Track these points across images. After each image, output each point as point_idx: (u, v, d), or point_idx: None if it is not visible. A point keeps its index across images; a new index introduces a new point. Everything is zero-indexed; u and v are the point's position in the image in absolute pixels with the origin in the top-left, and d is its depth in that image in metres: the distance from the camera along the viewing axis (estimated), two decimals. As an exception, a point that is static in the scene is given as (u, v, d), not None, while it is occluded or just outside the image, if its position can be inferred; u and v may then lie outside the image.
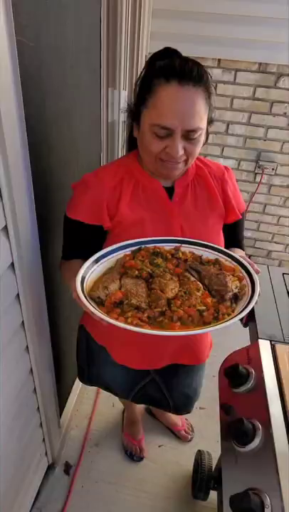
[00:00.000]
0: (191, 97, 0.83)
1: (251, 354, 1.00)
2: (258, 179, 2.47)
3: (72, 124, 1.20)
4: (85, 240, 0.99)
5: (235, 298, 0.86)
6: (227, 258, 0.95)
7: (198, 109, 0.84)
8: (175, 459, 1.61)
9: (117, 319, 0.76)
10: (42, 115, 0.97)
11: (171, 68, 0.83)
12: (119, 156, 1.59)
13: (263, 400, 0.87)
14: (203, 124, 0.87)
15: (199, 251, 0.97)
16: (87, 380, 1.34)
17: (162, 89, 0.83)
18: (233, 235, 1.10)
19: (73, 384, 1.75)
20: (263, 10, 1.95)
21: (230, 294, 0.85)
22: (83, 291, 0.80)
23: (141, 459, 1.60)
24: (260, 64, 2.13)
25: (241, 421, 0.83)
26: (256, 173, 2.46)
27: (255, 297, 0.82)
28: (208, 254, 0.96)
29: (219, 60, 2.17)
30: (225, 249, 0.96)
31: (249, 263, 0.93)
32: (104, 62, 1.49)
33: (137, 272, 0.87)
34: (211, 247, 0.97)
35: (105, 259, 0.91)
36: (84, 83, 1.27)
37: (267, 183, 2.47)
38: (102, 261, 0.90)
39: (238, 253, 0.99)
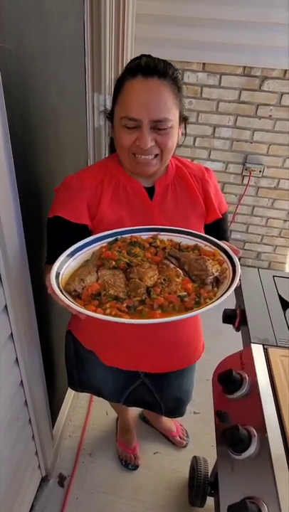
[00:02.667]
0: (156, 88, 0.85)
1: (244, 359, 0.99)
2: (245, 181, 2.48)
3: (57, 131, 1.18)
4: (69, 241, 0.96)
5: (217, 281, 0.85)
6: (206, 243, 0.94)
7: (165, 100, 0.86)
8: (171, 466, 1.60)
9: (95, 311, 0.74)
10: (26, 123, 0.95)
11: (137, 65, 0.86)
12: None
13: (258, 406, 0.86)
14: (172, 116, 0.88)
15: (178, 238, 0.96)
16: (77, 386, 1.32)
17: (128, 83, 0.86)
18: (217, 235, 1.09)
19: (66, 393, 1.72)
20: (246, 14, 1.97)
21: (211, 277, 0.83)
22: (58, 286, 0.78)
23: (136, 467, 1.58)
24: (244, 67, 2.15)
25: (236, 428, 0.82)
26: (244, 176, 2.47)
27: (237, 279, 0.81)
28: (186, 241, 0.95)
29: (204, 64, 2.18)
30: (203, 234, 0.95)
31: (229, 246, 0.92)
32: (88, 67, 1.47)
33: (114, 263, 0.85)
34: (189, 233, 0.96)
35: (80, 252, 0.89)
36: (69, 88, 1.25)
37: (254, 185, 2.49)
38: (77, 254, 0.89)
39: None
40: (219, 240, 1.10)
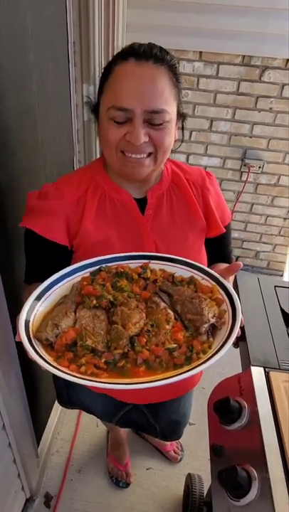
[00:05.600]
0: (151, 74, 0.73)
1: (243, 384, 0.89)
2: (244, 178, 2.37)
3: (36, 126, 1.06)
4: (48, 259, 0.85)
5: (213, 328, 0.74)
6: (204, 276, 0.81)
7: (162, 88, 0.73)
8: (164, 483, 1.51)
9: (68, 367, 0.63)
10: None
11: (129, 48, 0.74)
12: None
13: (258, 440, 0.77)
14: (170, 108, 0.76)
15: (171, 268, 0.83)
16: (67, 403, 1.22)
17: (119, 68, 0.73)
18: (217, 250, 0.97)
19: (53, 406, 1.62)
20: (246, -1, 1.84)
21: (207, 325, 0.71)
22: (28, 332, 0.66)
23: (127, 485, 1.49)
24: (243, 56, 2.02)
25: (234, 470, 0.72)
26: (242, 172, 2.36)
27: (237, 327, 0.69)
28: (181, 272, 0.82)
29: (200, 52, 2.05)
30: (200, 265, 0.82)
31: (228, 269, 0.80)
32: (74, 56, 1.35)
33: (95, 301, 0.74)
34: (184, 262, 0.82)
35: (58, 285, 0.77)
36: (49, 80, 1.13)
37: (253, 181, 2.38)
38: (54, 288, 0.77)
39: (220, 266, 0.87)
40: (219, 257, 0.99)
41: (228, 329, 0.71)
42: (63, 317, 0.72)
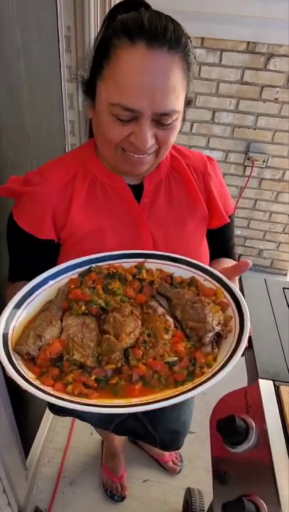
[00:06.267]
0: (165, 68, 0.61)
1: (250, 399, 0.79)
2: (247, 172, 2.26)
3: (24, 116, 0.96)
4: (33, 255, 0.77)
5: (218, 336, 0.64)
6: (206, 276, 0.72)
7: (174, 85, 0.62)
8: (162, 496, 1.42)
9: (53, 386, 0.55)
10: None
11: (138, 24, 0.60)
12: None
13: (268, 466, 0.67)
14: (180, 106, 0.66)
15: (169, 267, 0.74)
16: (59, 411, 1.14)
17: (125, 53, 0.60)
18: (220, 243, 0.88)
19: (45, 411, 1.53)
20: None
21: (212, 335, 0.63)
22: (7, 345, 0.58)
23: (123, 498, 1.40)
24: (248, 43, 1.91)
25: (241, 503, 0.63)
26: (246, 166, 2.25)
27: (246, 336, 0.61)
28: (181, 272, 0.73)
29: (202, 38, 1.93)
30: (202, 264, 0.73)
31: (235, 268, 0.71)
32: (65, 27, 1.24)
33: (83, 307, 0.65)
34: (184, 261, 0.74)
35: (41, 289, 0.68)
36: (35, 53, 1.02)
37: (257, 176, 2.27)
38: (37, 292, 0.68)
39: (224, 265, 0.78)
40: (221, 251, 0.90)
41: (236, 338, 0.62)
42: (47, 326, 0.63)
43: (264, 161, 2.19)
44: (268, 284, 1.07)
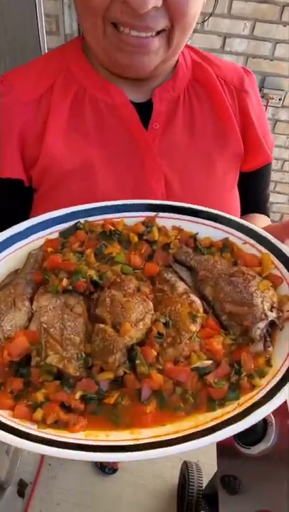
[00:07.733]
0: None
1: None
2: (260, 113, 2.00)
3: None
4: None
5: (271, 327, 0.45)
6: (246, 238, 0.51)
7: None
8: (158, 471, 1.34)
9: (12, 409, 0.37)
10: None
11: None
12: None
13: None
14: None
15: (191, 224, 0.53)
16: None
17: None
18: (251, 194, 0.67)
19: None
20: None
21: (264, 325, 0.44)
22: None
23: (114, 470, 1.32)
24: None
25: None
26: (258, 106, 1.98)
27: None
28: (209, 232, 0.53)
29: None
30: (239, 220, 0.53)
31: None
32: None
33: (66, 281, 0.45)
34: (216, 216, 0.52)
35: (3, 254, 0.48)
36: None
37: (272, 117, 2.02)
38: None
39: (260, 223, 0.58)
40: (252, 204, 0.69)
41: None
42: (8, 310, 0.44)
43: (280, 99, 1.92)
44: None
